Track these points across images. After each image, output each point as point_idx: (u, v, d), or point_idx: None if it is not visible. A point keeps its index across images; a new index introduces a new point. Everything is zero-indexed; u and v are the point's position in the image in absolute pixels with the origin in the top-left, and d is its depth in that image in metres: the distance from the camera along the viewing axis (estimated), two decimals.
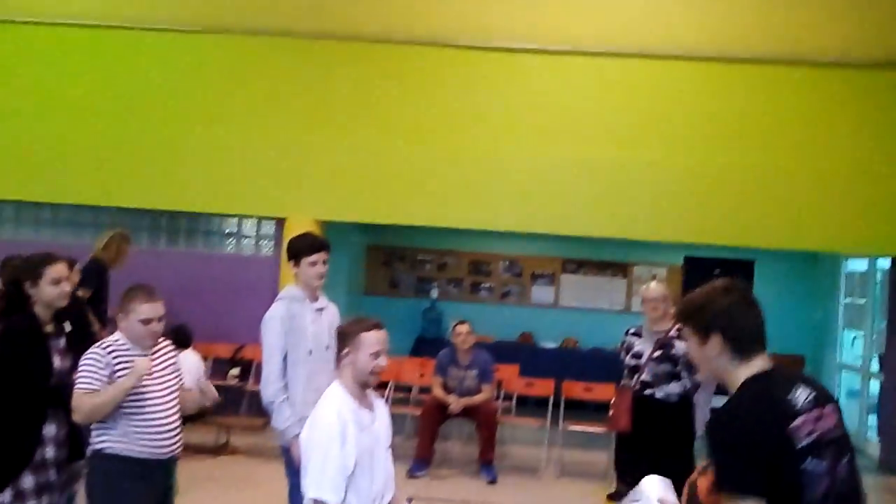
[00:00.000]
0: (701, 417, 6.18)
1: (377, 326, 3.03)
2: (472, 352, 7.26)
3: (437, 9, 8.33)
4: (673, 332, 5.40)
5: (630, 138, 8.20)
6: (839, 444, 2.20)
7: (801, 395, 2.18)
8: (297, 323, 4.01)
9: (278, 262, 8.57)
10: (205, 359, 7.58)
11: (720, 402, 2.28)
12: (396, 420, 7.69)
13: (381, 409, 3.17)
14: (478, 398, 7.03)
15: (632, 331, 5.71)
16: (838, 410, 2.24)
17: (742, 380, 2.22)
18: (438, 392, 7.09)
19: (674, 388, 5.38)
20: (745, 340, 2.25)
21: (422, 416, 7.13)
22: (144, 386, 3.38)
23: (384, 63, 8.32)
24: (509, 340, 10.62)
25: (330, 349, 3.96)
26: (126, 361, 3.38)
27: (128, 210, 8.64)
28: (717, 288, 2.32)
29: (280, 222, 8.64)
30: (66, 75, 8.47)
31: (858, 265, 10.00)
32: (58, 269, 3.79)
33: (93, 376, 3.34)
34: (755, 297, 2.33)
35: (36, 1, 8.54)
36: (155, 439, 3.40)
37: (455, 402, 6.95)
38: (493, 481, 6.89)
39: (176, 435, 3.50)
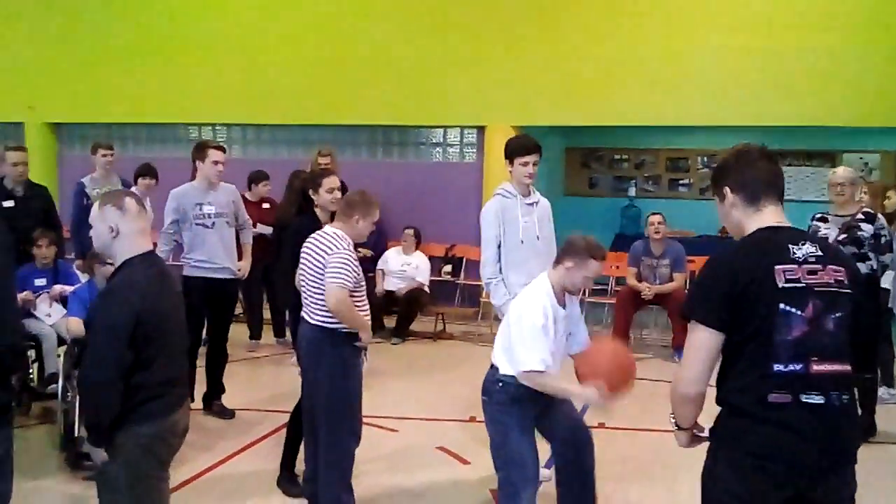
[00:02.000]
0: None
1: (603, 258, 3.55)
2: (665, 242, 7.62)
3: None
4: (859, 216, 5.49)
5: (826, 24, 8.00)
6: (832, 298, 2.28)
7: (805, 249, 2.30)
8: (510, 215, 4.55)
9: (481, 168, 9.30)
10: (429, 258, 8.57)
11: None
12: (595, 309, 8.40)
13: (572, 305, 3.69)
14: (670, 286, 7.43)
15: (818, 216, 5.81)
16: (849, 274, 2.33)
17: (753, 230, 2.37)
18: (632, 280, 7.57)
19: (861, 268, 5.49)
20: (754, 189, 2.38)
21: (617, 304, 7.66)
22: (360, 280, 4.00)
23: None
24: (710, 234, 10.73)
25: (540, 239, 4.57)
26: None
27: (347, 127, 9.68)
28: (733, 149, 2.49)
29: (481, 131, 9.32)
30: (280, 8, 9.57)
31: None
32: (332, 181, 4.65)
33: (351, 273, 3.85)
34: (773, 154, 2.46)
35: None
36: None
37: (647, 290, 7.40)
38: None
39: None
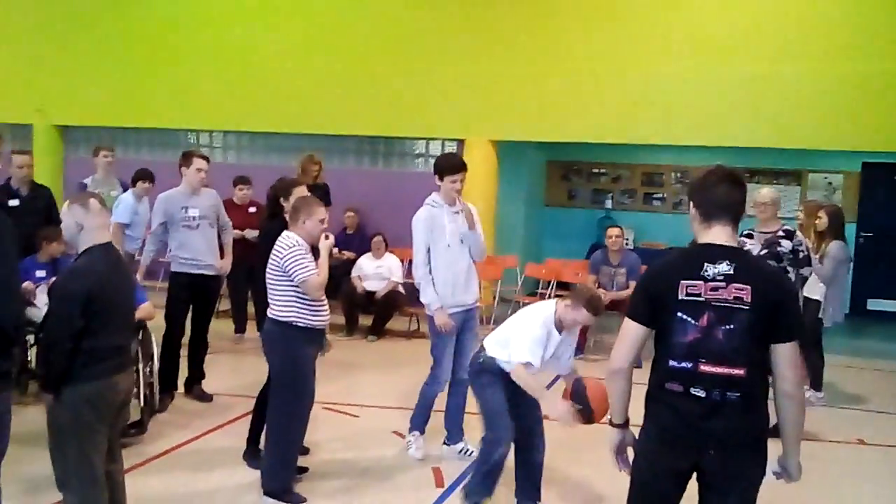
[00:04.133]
0: (831, 313, 6.78)
1: (596, 314, 4.21)
2: (623, 252, 8.19)
3: None
4: (780, 233, 6.02)
5: (793, 52, 8.44)
6: (727, 313, 2.66)
7: (718, 268, 2.68)
8: (437, 223, 5.16)
9: None
10: (401, 261, 9.08)
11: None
12: None
13: (568, 335, 4.36)
14: (625, 293, 7.98)
15: (745, 232, 6.29)
16: (756, 295, 2.64)
17: (698, 242, 2.78)
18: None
19: None
20: (708, 209, 2.77)
21: None
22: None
23: None
24: (681, 246, 11.25)
25: (464, 243, 5.16)
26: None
27: (336, 136, 10.28)
28: (704, 170, 2.88)
29: (461, 143, 9.88)
30: (275, 24, 10.18)
31: None
32: (301, 190, 5.22)
33: (307, 262, 4.38)
34: (737, 176, 2.79)
35: None
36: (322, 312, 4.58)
37: (603, 295, 7.94)
38: (638, 366, 7.84)
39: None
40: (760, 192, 6.20)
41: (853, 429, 6.35)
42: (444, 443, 5.38)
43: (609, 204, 12.07)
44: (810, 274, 6.29)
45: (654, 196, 12.02)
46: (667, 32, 8.88)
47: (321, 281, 4.44)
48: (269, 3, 10.23)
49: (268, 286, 4.52)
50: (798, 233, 6.10)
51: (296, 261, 4.37)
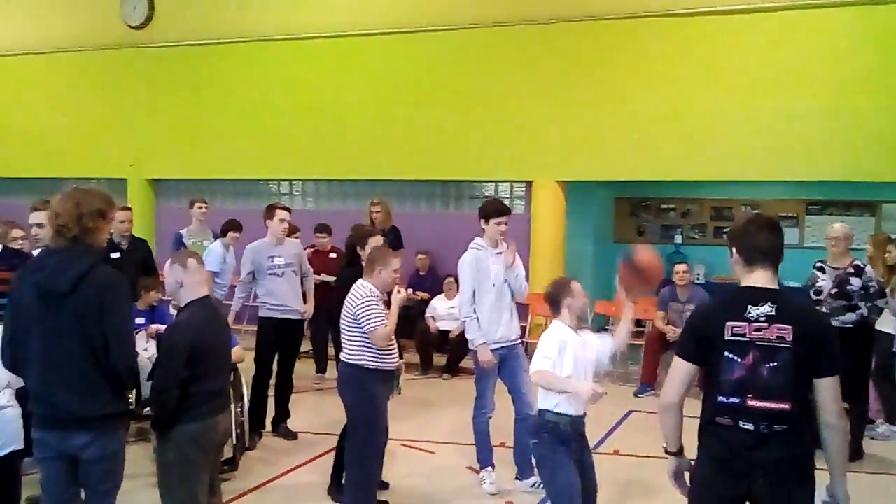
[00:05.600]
0: None
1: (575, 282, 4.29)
2: (690, 288, 8.30)
3: None
4: (850, 269, 6.10)
5: (858, 87, 8.51)
6: (771, 351, 2.86)
7: (761, 310, 2.88)
8: (483, 265, 5.48)
9: (529, 219, 10.14)
10: None
11: None
12: (629, 350, 9.03)
13: (587, 334, 4.34)
14: None
15: (818, 264, 6.40)
16: (798, 334, 2.83)
17: (741, 285, 3.00)
18: (659, 324, 8.27)
19: (849, 317, 6.05)
20: (750, 255, 2.98)
21: (646, 345, 8.35)
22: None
23: (608, 37, 9.45)
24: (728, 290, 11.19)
25: (507, 282, 5.48)
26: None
27: (408, 181, 10.71)
28: (747, 215, 3.16)
29: (529, 185, 10.19)
30: (348, 78, 10.71)
31: None
32: (376, 240, 5.65)
33: (378, 314, 4.70)
34: (776, 224, 3.03)
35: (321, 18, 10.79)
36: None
37: (672, 332, 8.07)
38: None
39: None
40: (833, 227, 6.31)
41: None
42: (516, 478, 5.60)
43: (679, 239, 12.11)
44: (886, 304, 6.33)
45: (724, 230, 12.01)
46: (729, 70, 9.00)
47: (388, 332, 4.73)
48: (341, 60, 10.77)
49: (341, 330, 4.85)
50: (868, 268, 6.16)
51: (368, 310, 4.69)
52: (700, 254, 11.72)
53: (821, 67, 8.67)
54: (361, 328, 4.70)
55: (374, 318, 4.69)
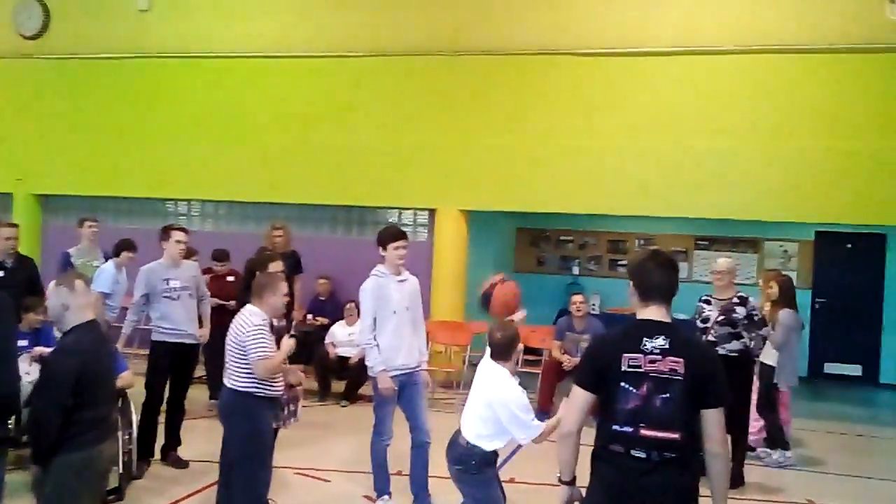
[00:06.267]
0: (784, 377, 7.13)
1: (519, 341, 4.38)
2: (587, 319, 8.51)
3: (556, 23, 9.54)
4: (735, 300, 6.42)
5: (748, 129, 8.94)
6: (664, 383, 2.97)
7: (656, 342, 3.00)
8: (384, 292, 5.49)
9: (431, 246, 10.21)
10: None
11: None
12: (525, 378, 9.17)
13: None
14: None
15: (704, 297, 6.71)
16: (689, 366, 2.96)
17: (637, 318, 3.12)
18: (556, 353, 8.45)
19: (734, 345, 6.34)
20: (645, 290, 3.12)
21: (542, 374, 8.51)
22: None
23: (511, 71, 9.67)
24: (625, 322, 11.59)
25: (409, 310, 5.53)
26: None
27: (311, 206, 10.62)
28: (645, 252, 3.27)
29: (432, 213, 10.26)
30: (248, 98, 10.59)
31: None
32: (276, 265, 5.57)
33: (267, 343, 4.67)
34: (672, 262, 3.18)
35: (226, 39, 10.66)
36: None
37: (567, 361, 8.25)
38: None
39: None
40: (718, 262, 6.64)
41: (804, 489, 6.62)
42: None
43: (576, 270, 12.46)
44: (768, 334, 6.68)
45: (620, 262, 12.44)
46: (630, 108, 9.32)
47: (274, 364, 4.68)
48: (243, 81, 10.63)
49: (227, 356, 4.76)
50: (751, 298, 6.51)
51: (257, 340, 4.62)
52: (596, 285, 12.10)
53: (711, 111, 9.10)
54: (247, 357, 4.63)
55: (263, 347, 4.63)
